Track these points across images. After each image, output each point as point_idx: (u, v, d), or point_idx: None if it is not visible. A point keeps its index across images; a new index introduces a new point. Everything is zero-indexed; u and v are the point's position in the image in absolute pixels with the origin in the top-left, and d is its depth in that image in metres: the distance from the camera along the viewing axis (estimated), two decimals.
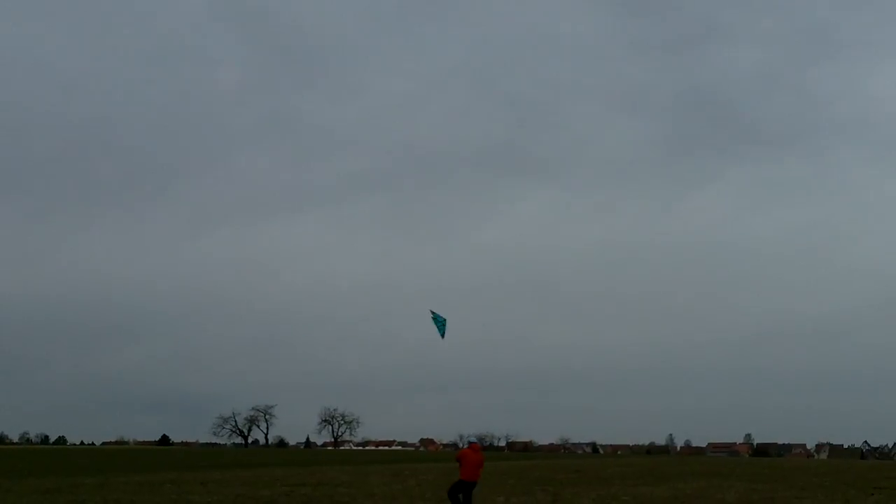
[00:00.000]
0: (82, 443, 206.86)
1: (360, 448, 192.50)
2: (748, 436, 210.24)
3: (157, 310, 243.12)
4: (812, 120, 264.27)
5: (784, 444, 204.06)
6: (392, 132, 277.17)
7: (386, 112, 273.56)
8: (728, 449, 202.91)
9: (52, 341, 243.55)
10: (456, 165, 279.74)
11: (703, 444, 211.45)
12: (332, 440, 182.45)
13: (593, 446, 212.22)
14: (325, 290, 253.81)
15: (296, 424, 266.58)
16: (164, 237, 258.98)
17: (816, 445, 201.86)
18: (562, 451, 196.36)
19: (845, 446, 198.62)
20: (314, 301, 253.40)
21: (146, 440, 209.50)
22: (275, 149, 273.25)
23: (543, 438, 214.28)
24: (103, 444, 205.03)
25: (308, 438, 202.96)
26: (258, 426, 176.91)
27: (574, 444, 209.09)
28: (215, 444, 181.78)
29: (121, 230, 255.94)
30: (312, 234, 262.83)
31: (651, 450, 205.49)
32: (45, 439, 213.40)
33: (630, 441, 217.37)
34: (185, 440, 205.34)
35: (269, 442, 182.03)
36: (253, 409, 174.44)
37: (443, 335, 23.39)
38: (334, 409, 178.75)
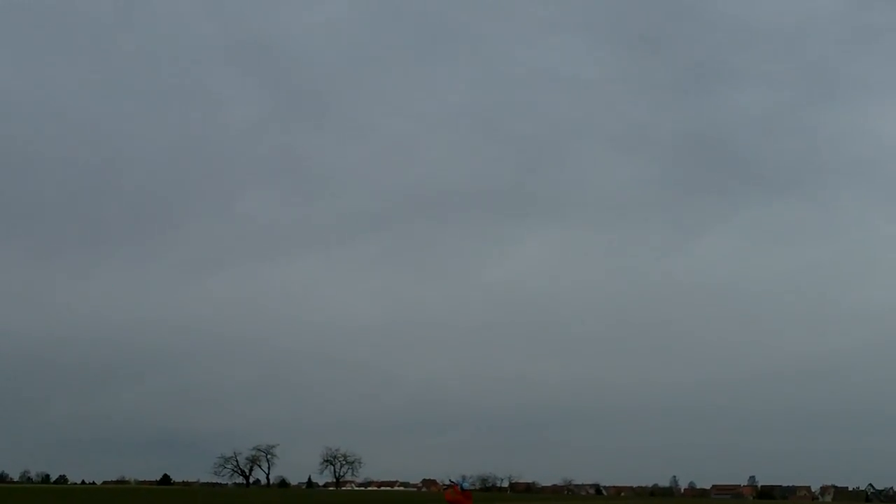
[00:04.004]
0: (83, 482, 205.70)
1: (362, 488, 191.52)
2: (752, 478, 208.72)
3: (160, 349, 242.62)
4: (817, 162, 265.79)
5: (788, 486, 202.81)
6: (397, 172, 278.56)
7: (391, 152, 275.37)
8: (732, 491, 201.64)
9: (55, 379, 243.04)
10: (460, 205, 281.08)
11: (707, 486, 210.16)
12: (334, 480, 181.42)
13: (597, 488, 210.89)
14: (329, 329, 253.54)
15: (298, 464, 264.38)
16: (169, 277, 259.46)
17: (821, 488, 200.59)
18: (565, 493, 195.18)
19: (850, 489, 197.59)
20: (317, 340, 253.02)
21: (147, 479, 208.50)
22: (280, 189, 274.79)
23: (546, 479, 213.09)
24: (104, 483, 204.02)
25: (310, 478, 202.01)
26: (260, 466, 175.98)
27: (577, 485, 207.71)
28: (217, 483, 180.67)
29: (126, 270, 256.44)
30: (316, 274, 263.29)
31: (655, 491, 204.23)
32: (46, 478, 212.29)
33: (633, 482, 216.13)
34: (186, 480, 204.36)
35: (271, 482, 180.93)
36: (254, 448, 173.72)
37: None
38: (336, 449, 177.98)
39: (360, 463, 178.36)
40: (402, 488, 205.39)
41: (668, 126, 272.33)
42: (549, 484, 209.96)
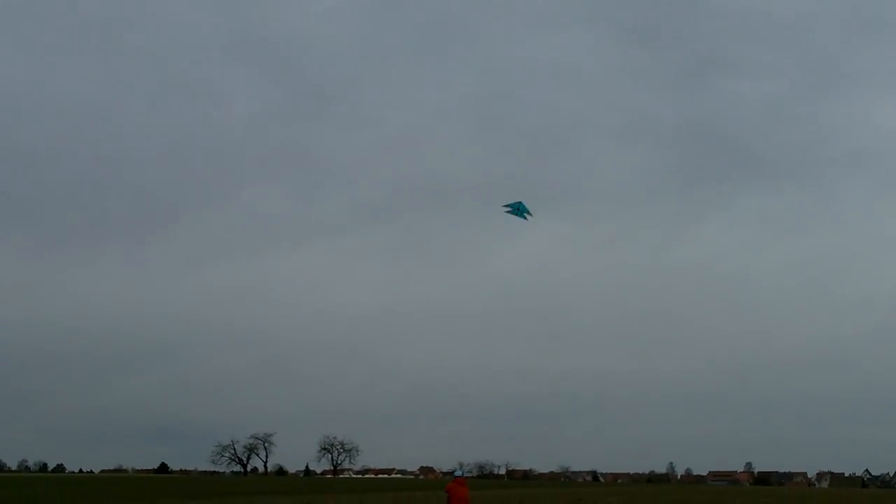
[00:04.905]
0: (81, 471, 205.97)
1: (360, 476, 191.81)
2: (749, 464, 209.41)
3: (159, 339, 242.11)
4: (818, 152, 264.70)
5: (785, 472, 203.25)
6: (398, 163, 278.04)
7: (392, 143, 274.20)
8: (729, 477, 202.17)
9: (53, 369, 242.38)
10: (462, 196, 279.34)
11: (704, 473, 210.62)
12: (332, 468, 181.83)
13: (594, 474, 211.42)
14: (329, 319, 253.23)
15: (295, 452, 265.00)
16: (170, 268, 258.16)
17: (817, 474, 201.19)
18: (562, 480, 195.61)
19: (846, 475, 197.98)
20: (317, 330, 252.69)
21: (145, 468, 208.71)
22: (282, 181, 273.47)
23: (543, 466, 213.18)
24: (102, 472, 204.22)
25: (307, 466, 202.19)
26: (257, 454, 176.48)
27: (574, 472, 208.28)
28: (214, 472, 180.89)
29: (127, 261, 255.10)
30: (318, 265, 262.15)
31: (651, 478, 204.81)
32: (44, 467, 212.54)
33: (630, 469, 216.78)
34: (183, 468, 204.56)
35: (269, 470, 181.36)
36: (252, 437, 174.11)
37: (522, 214, 24.22)
38: (334, 437, 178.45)
39: (357, 451, 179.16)
40: (399, 476, 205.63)
41: (669, 117, 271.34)
42: (546, 471, 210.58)
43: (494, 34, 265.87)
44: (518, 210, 25.64)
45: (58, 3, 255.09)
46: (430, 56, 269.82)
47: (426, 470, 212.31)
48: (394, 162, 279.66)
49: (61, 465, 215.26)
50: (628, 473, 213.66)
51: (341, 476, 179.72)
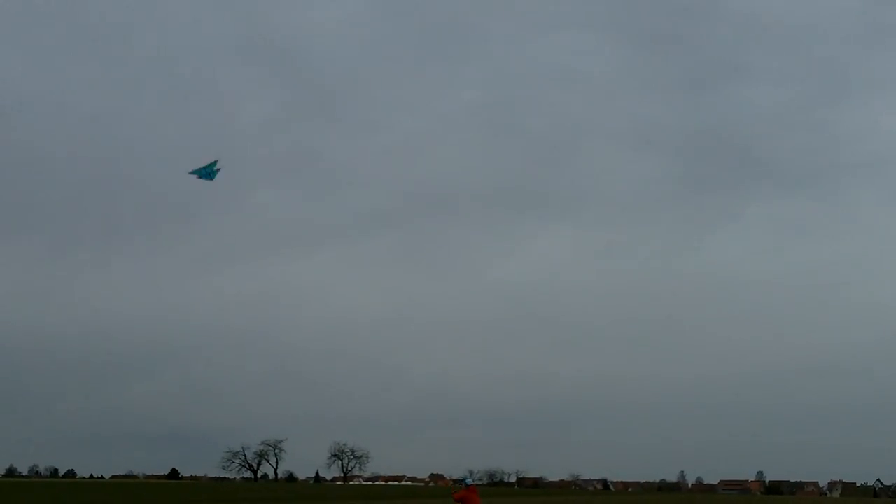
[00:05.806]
0: (91, 476, 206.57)
1: (370, 483, 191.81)
2: (760, 473, 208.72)
3: (169, 344, 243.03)
4: (828, 158, 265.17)
5: (796, 481, 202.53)
6: (407, 169, 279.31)
7: (401, 149, 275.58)
8: (740, 486, 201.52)
9: (64, 375, 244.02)
10: (470, 202, 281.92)
11: (715, 482, 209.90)
12: (342, 475, 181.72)
13: (604, 482, 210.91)
14: (338, 325, 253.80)
15: (305, 459, 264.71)
16: (180, 272, 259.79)
17: (829, 483, 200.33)
18: (572, 488, 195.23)
19: (858, 484, 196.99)
20: (327, 336, 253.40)
21: (155, 474, 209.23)
22: (291, 186, 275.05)
23: (554, 475, 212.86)
24: (112, 477, 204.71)
25: (318, 473, 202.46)
26: (268, 461, 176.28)
27: (585, 480, 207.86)
28: (224, 478, 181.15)
29: (137, 266, 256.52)
30: (326, 271, 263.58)
31: (662, 486, 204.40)
32: (55, 472, 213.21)
33: (641, 477, 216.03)
34: (194, 474, 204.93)
35: (279, 476, 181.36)
36: (262, 443, 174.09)
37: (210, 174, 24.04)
38: (344, 444, 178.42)
39: (367, 458, 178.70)
40: (409, 483, 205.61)
41: (678, 123, 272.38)
42: (556, 479, 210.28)
43: (503, 39, 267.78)
44: (207, 173, 25.36)
45: (66, 7, 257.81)
46: (438, 62, 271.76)
47: (436, 477, 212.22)
48: (402, 167, 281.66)
49: (72, 470, 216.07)
50: (639, 482, 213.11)
51: (351, 483, 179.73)
